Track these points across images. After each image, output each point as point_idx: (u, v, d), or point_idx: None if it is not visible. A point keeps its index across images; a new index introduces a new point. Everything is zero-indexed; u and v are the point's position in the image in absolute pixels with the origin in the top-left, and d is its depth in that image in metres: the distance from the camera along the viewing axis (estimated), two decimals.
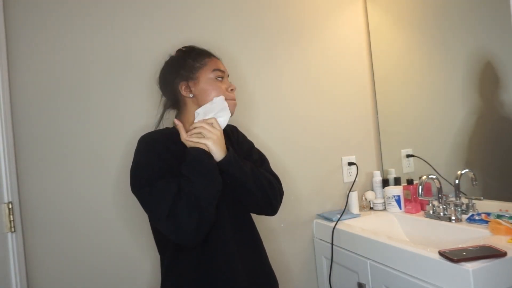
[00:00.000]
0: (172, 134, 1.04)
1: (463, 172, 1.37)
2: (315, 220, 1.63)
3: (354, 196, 1.64)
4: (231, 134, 1.14)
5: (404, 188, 1.58)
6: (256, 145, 1.20)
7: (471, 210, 1.35)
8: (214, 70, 1.04)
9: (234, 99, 1.06)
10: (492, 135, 1.40)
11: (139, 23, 1.34)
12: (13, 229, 1.08)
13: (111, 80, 1.29)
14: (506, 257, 0.97)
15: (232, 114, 1.04)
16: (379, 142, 1.84)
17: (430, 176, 1.41)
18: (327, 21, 1.72)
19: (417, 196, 1.41)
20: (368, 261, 1.28)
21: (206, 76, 1.04)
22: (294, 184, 1.60)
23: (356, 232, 1.37)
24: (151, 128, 1.15)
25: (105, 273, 1.25)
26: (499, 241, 1.07)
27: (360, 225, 1.48)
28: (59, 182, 1.21)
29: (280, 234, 1.56)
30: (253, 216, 1.13)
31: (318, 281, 1.63)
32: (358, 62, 1.80)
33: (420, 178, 1.39)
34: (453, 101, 1.52)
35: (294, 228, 1.60)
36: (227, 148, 0.98)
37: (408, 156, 1.73)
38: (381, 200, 1.67)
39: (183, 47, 1.11)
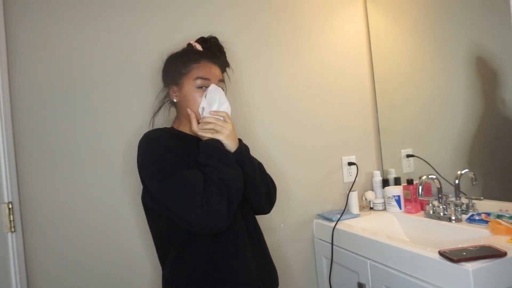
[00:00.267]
0: (173, 132, 1.05)
1: (463, 172, 1.37)
2: (315, 220, 1.63)
3: (354, 196, 1.64)
4: None
5: (404, 188, 1.58)
6: (256, 145, 1.20)
7: (471, 210, 1.35)
8: (197, 78, 1.02)
9: None
10: (492, 135, 1.40)
11: (139, 23, 1.34)
12: (13, 229, 1.08)
13: (111, 79, 1.29)
14: (506, 257, 0.97)
15: None
16: (379, 142, 1.84)
17: (430, 176, 1.41)
18: (327, 21, 1.72)
19: (417, 196, 1.41)
20: (368, 261, 1.28)
21: (188, 84, 1.03)
22: (294, 184, 1.60)
23: (356, 232, 1.37)
24: (150, 126, 1.16)
25: (105, 273, 1.25)
26: (499, 241, 1.07)
27: (360, 225, 1.48)
28: (59, 182, 1.21)
29: (280, 234, 1.56)
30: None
31: (318, 281, 1.63)
32: (358, 62, 1.80)
33: (420, 178, 1.39)
34: (453, 101, 1.52)
35: (294, 228, 1.60)
36: (239, 140, 1.02)
37: (408, 156, 1.73)
38: (381, 200, 1.67)
39: (191, 42, 1.12)
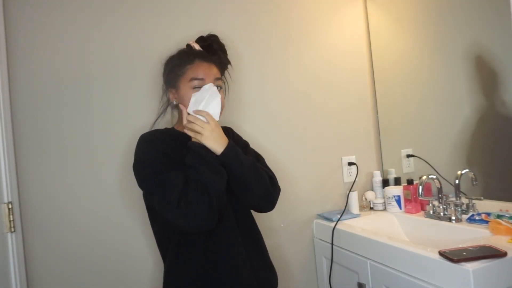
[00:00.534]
0: (171, 133, 1.05)
1: (463, 172, 1.37)
2: (315, 220, 1.63)
3: (354, 196, 1.64)
4: (227, 134, 1.14)
5: (404, 188, 1.58)
6: (256, 145, 1.20)
7: (471, 210, 1.35)
8: (192, 79, 1.02)
9: None
10: (492, 135, 1.40)
11: (140, 23, 1.34)
12: (13, 229, 1.08)
13: (111, 80, 1.29)
14: (506, 257, 0.97)
15: None
16: (379, 142, 1.83)
17: (430, 176, 1.41)
18: (327, 21, 1.72)
19: (417, 196, 1.41)
20: (368, 261, 1.28)
21: (184, 86, 1.03)
22: (294, 184, 1.60)
23: (356, 232, 1.37)
24: (151, 128, 1.16)
25: (106, 272, 1.25)
26: (499, 241, 1.07)
27: (360, 225, 1.48)
28: (59, 182, 1.21)
29: (280, 234, 1.56)
30: (254, 215, 1.14)
31: (318, 281, 1.63)
32: (358, 62, 1.80)
33: (420, 178, 1.39)
34: (453, 101, 1.52)
35: (294, 228, 1.60)
36: (229, 141, 0.98)
37: (408, 156, 1.73)
38: (381, 200, 1.67)
39: (189, 43, 1.11)
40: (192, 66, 1.03)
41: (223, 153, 0.95)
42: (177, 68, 1.05)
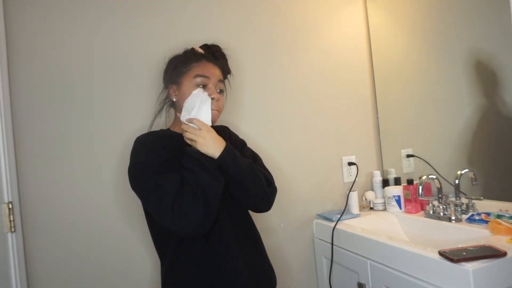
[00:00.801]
0: (167, 135, 1.05)
1: (463, 172, 1.37)
2: (315, 220, 1.63)
3: (354, 196, 1.64)
4: (223, 134, 1.14)
5: (404, 188, 1.58)
6: (255, 145, 1.20)
7: (471, 210, 1.35)
8: (196, 76, 1.03)
9: (214, 109, 1.02)
10: (492, 135, 1.40)
11: (139, 24, 1.34)
12: (13, 229, 1.08)
13: (111, 80, 1.29)
14: (506, 257, 0.97)
15: (213, 123, 1.03)
16: (379, 142, 1.84)
17: (430, 176, 1.41)
18: (327, 21, 1.72)
19: (417, 196, 1.41)
20: (368, 261, 1.28)
21: (188, 82, 1.03)
22: (294, 184, 1.60)
23: (356, 232, 1.37)
24: (149, 128, 1.16)
25: (106, 272, 1.25)
26: (499, 241, 1.07)
27: (360, 225, 1.48)
28: (59, 182, 1.21)
29: (280, 234, 1.56)
30: (253, 215, 1.14)
31: (318, 281, 1.63)
32: (358, 62, 1.80)
33: (420, 178, 1.39)
34: (453, 100, 1.52)
35: (294, 228, 1.60)
36: (226, 144, 0.98)
37: (408, 156, 1.73)
38: (381, 200, 1.67)
39: (193, 47, 1.12)
40: (199, 64, 1.05)
41: (220, 157, 0.95)
42: (182, 64, 1.06)
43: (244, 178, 0.98)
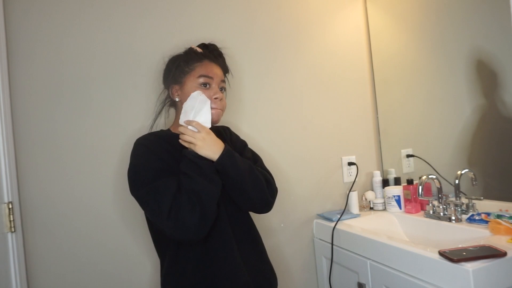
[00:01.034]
0: (167, 136, 1.05)
1: (463, 172, 1.37)
2: (315, 220, 1.63)
3: (354, 196, 1.64)
4: (224, 134, 1.14)
5: (404, 188, 1.58)
6: (255, 146, 1.20)
7: (471, 210, 1.36)
8: (200, 76, 1.03)
9: (218, 108, 1.03)
10: (492, 135, 1.40)
11: (139, 24, 1.34)
12: (13, 229, 1.08)
13: (111, 80, 1.29)
14: (506, 257, 0.97)
15: (215, 122, 1.03)
16: (379, 142, 1.84)
17: (430, 176, 1.41)
18: (327, 21, 1.72)
19: (417, 196, 1.41)
20: (368, 261, 1.28)
21: (191, 82, 1.03)
22: (294, 184, 1.60)
23: (356, 232, 1.37)
24: (150, 129, 1.16)
25: (106, 272, 1.25)
26: (499, 241, 1.07)
27: (360, 225, 1.48)
28: (59, 182, 1.21)
29: (280, 234, 1.56)
30: (253, 215, 1.14)
31: (318, 281, 1.63)
32: (358, 62, 1.80)
33: (420, 178, 1.39)
34: (453, 101, 1.52)
35: (294, 228, 1.60)
36: (225, 146, 0.98)
37: (408, 156, 1.73)
38: (381, 200, 1.67)
39: (192, 46, 1.12)
40: (202, 64, 1.05)
41: (218, 160, 0.94)
42: (185, 64, 1.06)
43: (243, 181, 0.97)
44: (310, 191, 1.65)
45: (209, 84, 1.03)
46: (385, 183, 1.74)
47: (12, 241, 1.08)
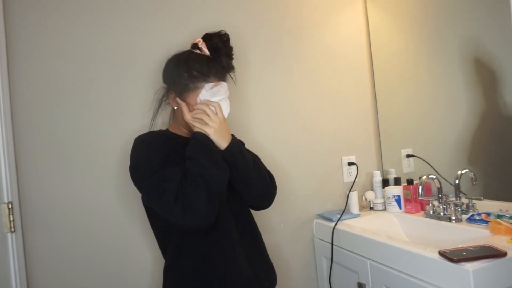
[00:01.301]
0: (167, 134, 1.05)
1: (463, 172, 1.37)
2: (315, 220, 1.63)
3: (354, 196, 1.64)
4: None
5: (404, 188, 1.58)
6: (256, 145, 1.20)
7: (471, 210, 1.35)
8: None
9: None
10: (492, 135, 1.40)
11: (139, 24, 1.34)
12: (13, 229, 1.08)
13: (111, 80, 1.29)
14: (506, 257, 0.97)
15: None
16: (379, 142, 1.84)
17: (430, 176, 1.41)
18: (327, 21, 1.72)
19: (417, 196, 1.41)
20: (368, 261, 1.28)
21: (194, 100, 0.99)
22: (294, 184, 1.60)
23: (356, 232, 1.37)
24: (150, 129, 1.15)
25: (106, 272, 1.25)
26: (499, 241, 1.07)
27: (360, 225, 1.48)
28: (59, 182, 1.21)
29: (280, 234, 1.56)
30: (253, 214, 1.14)
31: (318, 281, 1.63)
32: (358, 62, 1.80)
33: (420, 178, 1.39)
34: (453, 100, 1.52)
35: (294, 228, 1.60)
36: (232, 136, 0.98)
37: (408, 156, 1.73)
38: (381, 200, 1.67)
39: (196, 42, 1.04)
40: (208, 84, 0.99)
41: (227, 148, 0.94)
42: (189, 79, 0.98)
43: (248, 173, 0.98)
44: (310, 191, 1.64)
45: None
46: (385, 183, 1.74)
47: (12, 241, 1.08)
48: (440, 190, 1.41)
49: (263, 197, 1.05)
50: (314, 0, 1.69)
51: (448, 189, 1.42)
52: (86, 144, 1.25)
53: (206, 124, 0.94)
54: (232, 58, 1.08)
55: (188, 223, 0.86)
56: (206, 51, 1.03)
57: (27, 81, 1.18)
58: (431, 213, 1.41)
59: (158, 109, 1.15)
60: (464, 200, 1.38)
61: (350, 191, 1.65)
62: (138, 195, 1.06)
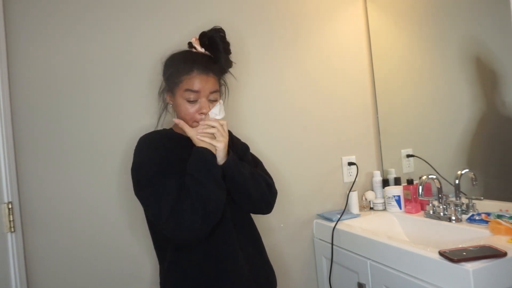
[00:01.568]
0: (170, 134, 1.05)
1: (463, 172, 1.37)
2: (315, 220, 1.63)
3: (354, 196, 1.64)
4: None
5: (404, 188, 1.58)
6: (256, 146, 1.20)
7: (471, 210, 1.35)
8: (186, 90, 0.98)
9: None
10: (492, 135, 1.40)
11: (139, 23, 1.34)
12: (13, 229, 1.08)
13: (111, 80, 1.29)
14: (506, 257, 0.97)
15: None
16: (379, 142, 1.83)
17: (430, 176, 1.41)
18: (327, 21, 1.72)
19: (417, 196, 1.41)
20: (368, 261, 1.28)
21: (179, 96, 1.00)
22: (294, 184, 1.60)
23: (356, 232, 1.37)
24: (151, 128, 1.15)
25: (106, 272, 1.25)
26: (499, 241, 1.07)
27: (360, 225, 1.48)
28: (59, 182, 1.21)
29: (280, 234, 1.56)
30: (253, 215, 1.14)
31: (318, 281, 1.63)
32: (358, 62, 1.80)
33: (420, 178, 1.39)
34: (453, 101, 1.52)
35: (294, 228, 1.60)
36: (228, 151, 0.99)
37: (408, 156, 1.73)
38: (381, 200, 1.67)
39: (191, 41, 1.06)
40: (189, 77, 0.98)
41: (226, 163, 0.96)
42: (175, 75, 1.00)
43: (246, 185, 0.99)
44: (310, 191, 1.64)
45: (196, 99, 0.99)
46: (385, 183, 1.74)
47: (12, 241, 1.08)
48: (440, 190, 1.41)
49: (261, 207, 1.07)
50: (314, 1, 1.69)
51: (448, 189, 1.42)
52: (86, 144, 1.25)
53: (216, 139, 0.96)
54: (230, 53, 1.07)
55: (179, 238, 0.89)
56: (199, 48, 1.05)
57: (27, 81, 1.18)
58: (431, 213, 1.41)
59: (164, 109, 1.14)
60: (464, 200, 1.38)
61: (350, 191, 1.65)
62: None
